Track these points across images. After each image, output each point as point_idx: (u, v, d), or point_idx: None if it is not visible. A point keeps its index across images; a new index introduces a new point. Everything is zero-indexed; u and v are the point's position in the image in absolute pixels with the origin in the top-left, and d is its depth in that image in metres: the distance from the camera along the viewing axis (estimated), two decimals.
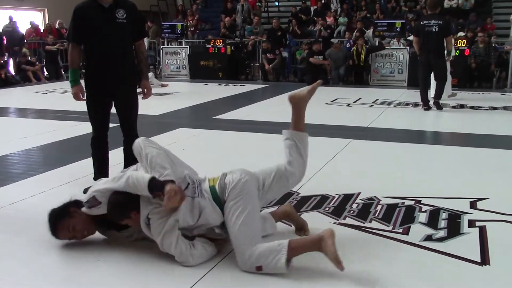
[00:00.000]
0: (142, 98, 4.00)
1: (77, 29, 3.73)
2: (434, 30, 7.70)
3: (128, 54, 3.85)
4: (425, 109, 8.01)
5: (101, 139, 3.89)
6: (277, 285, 2.43)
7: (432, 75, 8.03)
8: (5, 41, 13.28)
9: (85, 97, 3.83)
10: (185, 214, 2.56)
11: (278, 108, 8.64)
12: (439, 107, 7.98)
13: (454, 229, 3.10)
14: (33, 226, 2.86)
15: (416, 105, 8.55)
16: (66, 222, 2.71)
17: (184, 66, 14.01)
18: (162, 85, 11.45)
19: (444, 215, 3.33)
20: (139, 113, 4.03)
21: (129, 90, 3.89)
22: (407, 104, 8.71)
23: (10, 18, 14.31)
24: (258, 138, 5.95)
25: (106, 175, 3.64)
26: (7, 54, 13.64)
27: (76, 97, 3.85)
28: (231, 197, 2.63)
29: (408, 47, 11.93)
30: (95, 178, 3.73)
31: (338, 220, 3.27)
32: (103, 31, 3.69)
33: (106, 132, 3.90)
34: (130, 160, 3.47)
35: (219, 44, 13.45)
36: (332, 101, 9.14)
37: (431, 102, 8.06)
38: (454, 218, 3.29)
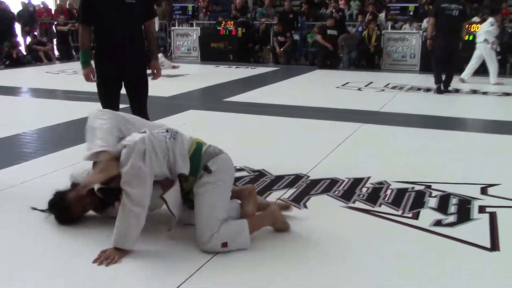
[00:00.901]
0: (152, 78, 4.00)
1: (86, 10, 3.72)
2: (454, 14, 7.74)
3: (137, 36, 3.85)
4: (437, 88, 8.09)
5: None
6: (286, 273, 2.45)
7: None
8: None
9: (95, 79, 3.84)
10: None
11: (288, 91, 8.62)
12: (440, 92, 8.09)
13: (464, 215, 3.09)
14: (45, 204, 2.88)
15: (428, 90, 8.48)
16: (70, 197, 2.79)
17: (194, 48, 13.97)
18: (173, 67, 11.44)
19: (454, 201, 3.32)
20: (149, 94, 4.04)
21: (138, 75, 3.90)
22: (419, 89, 8.64)
23: None
24: (268, 121, 5.94)
25: None
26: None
27: (87, 78, 3.87)
28: (213, 167, 2.59)
29: (420, 31, 11.78)
30: None
31: (347, 203, 3.27)
32: (111, 12, 3.68)
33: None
34: None
35: (230, 26, 13.37)
36: (343, 85, 9.09)
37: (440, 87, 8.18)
38: (464, 204, 3.28)
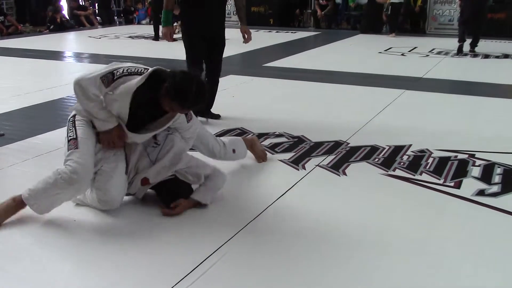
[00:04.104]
0: (243, 42, 4.27)
1: None
2: None
3: (223, 2, 4.09)
4: (458, 47, 8.38)
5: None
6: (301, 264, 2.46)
7: None
8: None
9: (173, 38, 4.10)
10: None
11: (329, 56, 8.48)
12: (460, 51, 8.41)
13: (508, 185, 3.01)
14: None
15: (475, 55, 8.19)
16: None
17: (235, 12, 13.82)
18: None
19: (499, 170, 3.24)
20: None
21: (222, 35, 4.11)
22: (465, 54, 8.35)
23: None
24: (308, 86, 5.88)
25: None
26: None
27: (165, 37, 4.10)
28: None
29: None
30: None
31: (387, 171, 3.23)
32: None
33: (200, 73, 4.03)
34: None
35: None
36: (386, 50, 8.88)
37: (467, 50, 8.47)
38: (509, 174, 3.19)
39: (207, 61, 4.11)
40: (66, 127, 2.55)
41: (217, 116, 4.33)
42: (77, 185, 2.39)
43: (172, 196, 2.59)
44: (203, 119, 4.17)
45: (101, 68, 2.46)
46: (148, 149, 2.66)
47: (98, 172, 2.52)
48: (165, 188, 2.62)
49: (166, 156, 2.63)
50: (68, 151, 2.44)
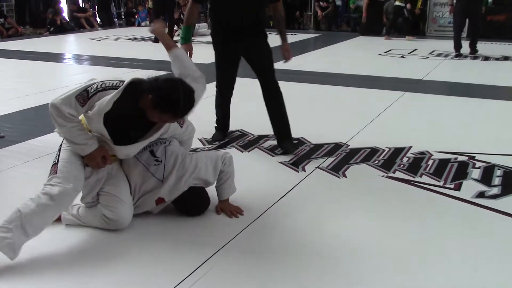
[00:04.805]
0: (284, 62, 3.68)
1: None
2: None
3: (257, 19, 3.60)
4: (456, 55, 8.29)
5: (223, 96, 3.84)
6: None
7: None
8: None
9: (191, 55, 3.39)
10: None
11: (329, 58, 8.48)
12: (458, 56, 8.32)
13: (509, 187, 3.01)
14: None
15: (475, 57, 8.20)
16: None
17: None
18: None
19: (498, 172, 3.24)
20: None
21: (257, 39, 3.61)
22: (465, 57, 8.36)
23: None
24: (308, 88, 5.88)
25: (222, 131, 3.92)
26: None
27: None
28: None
29: None
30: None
31: (387, 173, 3.23)
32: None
33: (229, 92, 3.85)
34: (279, 123, 3.63)
35: None
36: (385, 52, 8.88)
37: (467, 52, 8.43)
38: (510, 176, 3.19)
39: (254, 71, 3.70)
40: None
41: (295, 146, 3.69)
42: (58, 201, 2.20)
43: (189, 206, 2.59)
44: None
45: (76, 86, 2.33)
46: (151, 168, 2.53)
47: (101, 193, 2.45)
48: (182, 199, 2.56)
49: (173, 172, 2.53)
50: (48, 177, 2.29)
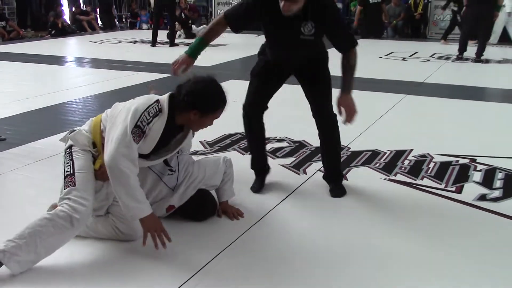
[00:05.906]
0: (343, 121, 2.80)
1: (242, 17, 2.84)
2: None
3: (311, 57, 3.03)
4: (458, 57, 8.26)
5: (250, 117, 3.07)
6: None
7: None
8: None
9: (181, 69, 2.70)
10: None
11: (330, 60, 8.46)
12: (459, 59, 8.28)
13: (510, 190, 3.01)
14: None
15: (476, 60, 8.20)
16: None
17: None
18: None
19: (500, 175, 3.23)
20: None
21: (311, 64, 3.06)
22: (466, 59, 8.36)
23: None
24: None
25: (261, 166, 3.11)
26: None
27: (176, 63, 2.71)
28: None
29: None
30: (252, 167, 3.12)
31: (388, 176, 3.23)
32: (279, 40, 2.91)
33: (259, 111, 3.11)
34: (330, 157, 3.02)
35: None
36: (386, 55, 8.89)
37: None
38: (511, 179, 3.18)
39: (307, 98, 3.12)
40: (63, 160, 2.30)
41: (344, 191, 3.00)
42: (77, 226, 2.11)
43: (196, 210, 2.59)
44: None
45: (115, 128, 2.18)
46: (165, 178, 2.50)
47: (113, 202, 2.36)
48: (188, 204, 2.57)
49: (184, 180, 2.54)
50: (65, 189, 2.16)
